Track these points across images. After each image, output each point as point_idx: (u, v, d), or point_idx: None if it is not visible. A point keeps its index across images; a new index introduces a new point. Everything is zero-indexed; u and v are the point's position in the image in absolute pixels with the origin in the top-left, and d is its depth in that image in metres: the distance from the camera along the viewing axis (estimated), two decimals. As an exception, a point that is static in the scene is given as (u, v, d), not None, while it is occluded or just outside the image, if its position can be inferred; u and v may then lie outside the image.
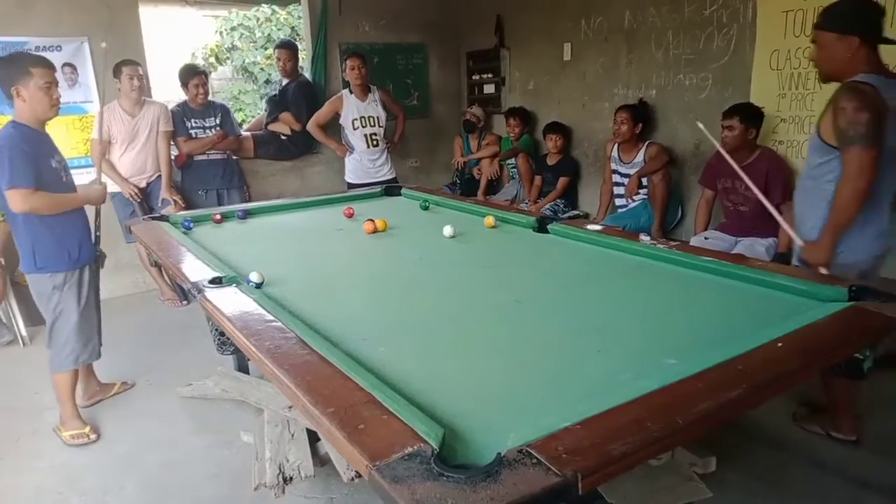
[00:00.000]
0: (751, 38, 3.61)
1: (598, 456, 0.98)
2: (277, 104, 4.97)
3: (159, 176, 4.22)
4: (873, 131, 2.01)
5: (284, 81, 4.98)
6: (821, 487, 2.24)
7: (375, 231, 2.66)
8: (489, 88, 5.70)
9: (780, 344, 1.37)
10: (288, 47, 4.96)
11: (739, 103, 3.43)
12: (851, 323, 1.51)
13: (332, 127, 4.69)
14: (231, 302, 1.74)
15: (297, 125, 4.83)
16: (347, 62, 4.46)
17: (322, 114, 4.60)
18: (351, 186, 4.50)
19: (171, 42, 8.30)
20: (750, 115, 3.34)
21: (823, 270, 2.12)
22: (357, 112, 4.49)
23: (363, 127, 4.52)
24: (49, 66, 2.51)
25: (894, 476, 2.25)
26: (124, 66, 3.94)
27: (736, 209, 3.50)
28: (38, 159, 2.47)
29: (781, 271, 1.89)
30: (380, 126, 4.56)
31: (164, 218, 2.93)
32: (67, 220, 2.61)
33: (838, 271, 2.11)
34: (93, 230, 2.82)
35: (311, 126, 4.64)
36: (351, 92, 4.53)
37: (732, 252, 3.22)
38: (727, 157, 2.74)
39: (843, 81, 2.11)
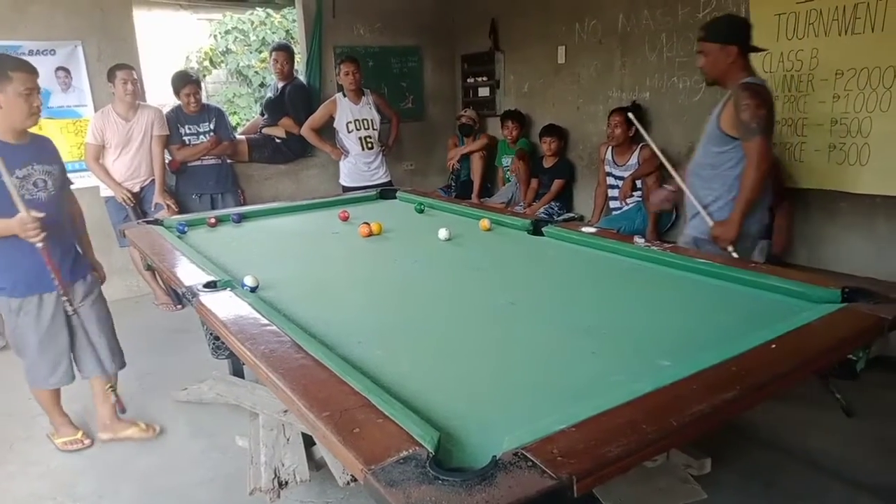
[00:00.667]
0: (744, 41, 3.63)
1: (593, 458, 0.98)
2: (276, 108, 4.96)
3: (153, 180, 4.21)
4: (769, 124, 2.44)
5: (280, 84, 4.97)
6: (815, 488, 2.25)
7: (370, 234, 2.65)
8: (484, 91, 5.71)
9: (773, 346, 1.37)
10: (285, 50, 4.96)
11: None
12: (845, 324, 1.51)
13: (327, 131, 4.69)
14: (226, 306, 1.74)
15: (297, 129, 4.83)
16: (342, 67, 4.46)
17: (316, 118, 4.60)
18: (346, 190, 4.50)
19: (165, 45, 8.28)
20: None
21: (731, 248, 2.48)
22: (351, 115, 4.50)
23: (357, 130, 4.52)
24: (31, 70, 2.31)
25: (888, 477, 2.26)
26: (118, 71, 3.93)
27: (730, 212, 3.51)
28: None
29: (775, 273, 1.90)
30: (374, 129, 4.57)
31: (158, 222, 2.92)
32: (14, 243, 2.31)
33: (741, 240, 2.51)
34: (55, 259, 2.42)
35: (305, 130, 4.64)
36: (344, 95, 4.54)
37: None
38: (650, 142, 3.05)
39: (725, 84, 2.53)
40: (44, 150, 2.47)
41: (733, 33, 2.49)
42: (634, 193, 4.15)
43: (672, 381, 1.22)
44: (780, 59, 3.45)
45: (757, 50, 2.55)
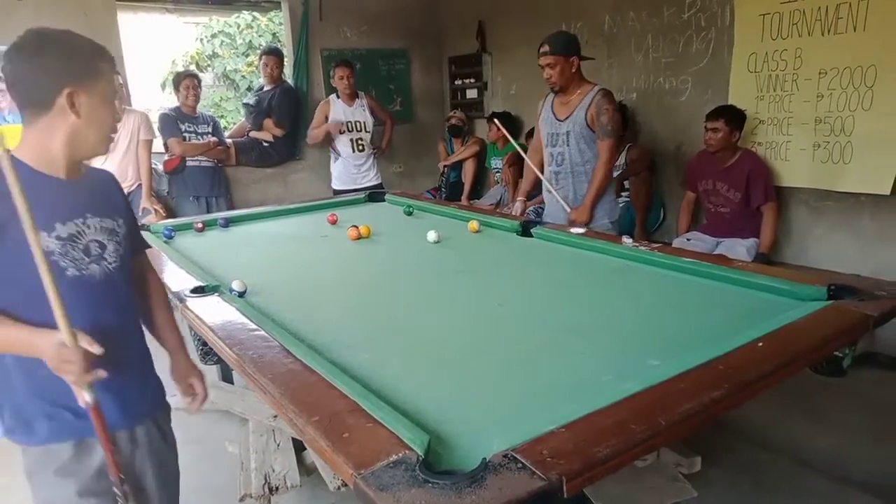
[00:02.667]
0: (729, 42, 3.66)
1: (583, 459, 0.99)
2: (257, 110, 4.94)
3: (140, 185, 4.18)
4: (620, 129, 3.06)
5: (267, 87, 4.95)
6: (805, 485, 2.27)
7: (359, 237, 2.65)
8: (472, 93, 5.73)
9: (760, 344, 1.38)
10: (275, 54, 4.96)
11: (724, 105, 3.46)
12: (831, 321, 1.52)
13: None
14: (213, 311, 1.73)
15: (278, 131, 4.81)
16: (336, 70, 4.45)
17: (315, 123, 4.59)
18: (337, 193, 4.49)
19: (151, 50, 8.23)
20: (734, 118, 3.38)
21: (580, 230, 2.64)
22: (343, 117, 4.50)
23: (349, 132, 4.52)
24: (113, 62, 1.44)
25: (876, 473, 2.27)
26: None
27: (717, 211, 3.54)
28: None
29: (762, 272, 1.91)
30: (366, 131, 4.56)
31: (144, 227, 2.89)
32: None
33: (598, 227, 2.90)
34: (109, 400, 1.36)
35: (309, 138, 4.64)
36: (338, 97, 4.53)
37: (714, 253, 3.26)
38: (521, 152, 3.38)
39: (567, 91, 2.91)
40: (104, 193, 1.47)
41: (574, 46, 2.88)
42: (622, 193, 4.17)
43: (660, 380, 1.22)
44: (766, 59, 3.48)
45: (588, 59, 3.06)
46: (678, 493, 1.84)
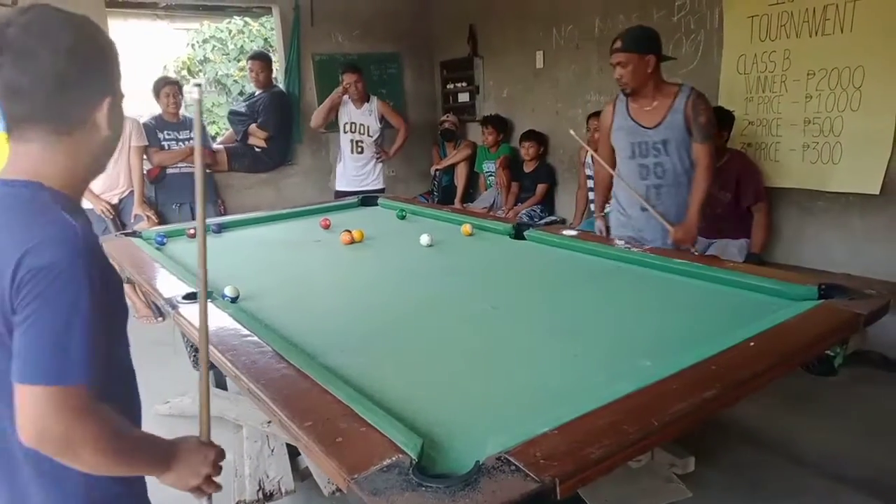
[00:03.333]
0: (718, 44, 3.68)
1: (576, 460, 0.99)
2: (242, 118, 4.93)
3: (132, 192, 4.16)
4: (715, 130, 2.74)
5: (258, 92, 4.94)
6: (799, 483, 2.27)
7: (352, 242, 2.65)
8: (464, 97, 5.74)
9: (752, 343, 1.39)
10: (261, 58, 4.94)
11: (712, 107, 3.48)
12: (822, 321, 1.53)
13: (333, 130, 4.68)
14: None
15: (262, 134, 4.80)
16: (343, 77, 4.43)
17: (326, 103, 4.54)
18: (339, 195, 4.51)
19: (142, 56, 8.21)
20: (722, 119, 3.40)
21: (694, 249, 2.59)
22: (349, 117, 4.53)
23: (351, 132, 4.54)
24: None
25: (870, 470, 2.28)
26: None
27: (709, 212, 3.54)
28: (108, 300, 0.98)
29: (753, 272, 1.92)
30: (368, 135, 4.56)
31: (136, 234, 2.88)
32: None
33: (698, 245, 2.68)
34: None
35: (315, 116, 4.62)
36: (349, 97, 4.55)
37: (706, 254, 3.27)
38: (593, 153, 2.98)
39: (642, 93, 2.60)
40: None
41: (651, 43, 2.59)
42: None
43: (653, 381, 1.23)
44: (755, 61, 3.50)
45: (669, 59, 2.74)
46: (673, 494, 1.84)
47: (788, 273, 1.99)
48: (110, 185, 4.10)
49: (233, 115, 5.06)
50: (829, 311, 1.58)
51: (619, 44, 2.57)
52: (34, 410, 0.85)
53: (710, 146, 2.58)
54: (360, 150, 4.57)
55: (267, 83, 4.89)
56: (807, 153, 3.36)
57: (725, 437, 2.51)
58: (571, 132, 2.98)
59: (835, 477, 2.29)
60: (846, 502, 2.15)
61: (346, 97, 4.52)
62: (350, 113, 4.52)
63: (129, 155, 4.09)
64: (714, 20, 3.68)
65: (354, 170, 4.59)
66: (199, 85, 1.01)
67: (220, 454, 1.14)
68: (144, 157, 4.24)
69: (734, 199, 3.43)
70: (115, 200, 4.13)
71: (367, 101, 4.54)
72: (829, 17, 3.13)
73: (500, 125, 5.17)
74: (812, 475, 2.31)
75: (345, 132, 4.55)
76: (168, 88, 4.27)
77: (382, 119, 4.57)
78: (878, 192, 3.10)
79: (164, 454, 1.05)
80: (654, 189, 2.69)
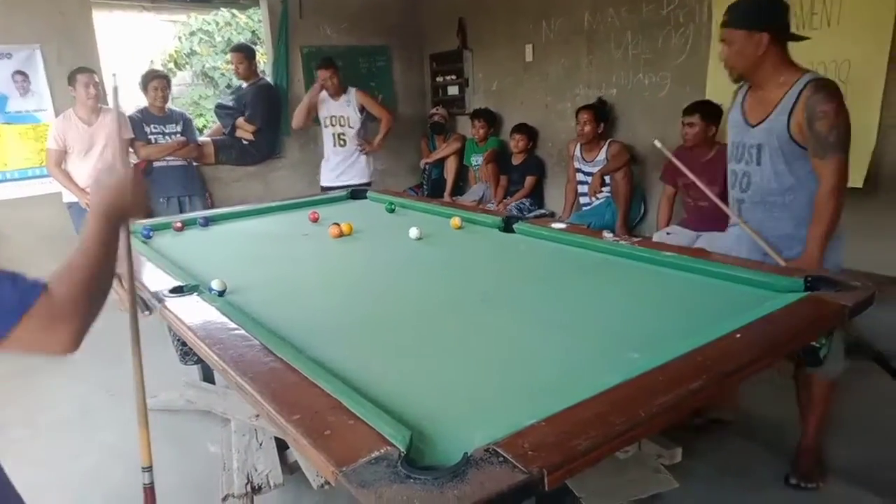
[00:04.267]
0: (707, 37, 3.70)
1: (564, 451, 0.99)
2: (230, 111, 4.89)
3: None
4: (849, 137, 1.97)
5: (244, 85, 4.91)
6: (783, 476, 2.30)
7: (341, 235, 2.63)
8: (453, 90, 5.73)
9: (738, 335, 1.39)
10: (240, 50, 4.89)
11: (699, 101, 3.50)
12: (808, 312, 1.54)
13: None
14: (193, 311, 1.71)
15: (250, 128, 4.76)
16: (318, 73, 4.43)
17: (305, 100, 4.55)
18: (325, 190, 4.48)
19: (128, 48, 8.12)
20: (710, 113, 3.42)
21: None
22: (328, 111, 4.52)
23: (332, 126, 4.54)
24: None
25: (856, 461, 2.31)
26: (79, 74, 3.85)
27: (696, 205, 3.57)
28: None
29: (740, 264, 1.93)
30: (349, 127, 4.54)
31: (123, 226, 2.85)
32: None
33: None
34: None
35: (296, 114, 4.60)
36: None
37: (694, 246, 3.28)
38: (683, 167, 2.66)
39: (758, 81, 2.09)
40: None
41: (764, 17, 2.02)
42: (603, 189, 4.20)
43: (640, 372, 1.23)
44: (742, 55, 3.51)
45: (797, 38, 2.09)
46: (660, 485, 1.85)
47: (774, 265, 2.01)
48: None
49: (220, 108, 5.02)
50: (815, 303, 1.58)
51: (724, 17, 2.09)
52: None
53: (836, 160, 1.94)
54: (342, 142, 4.56)
55: (249, 75, 4.84)
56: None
57: (713, 428, 2.53)
58: (657, 144, 2.62)
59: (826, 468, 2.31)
60: (832, 492, 2.17)
61: (323, 93, 4.51)
62: (328, 107, 4.51)
63: (115, 148, 4.06)
64: (703, 14, 3.70)
65: (338, 164, 4.58)
66: (114, 74, 1.06)
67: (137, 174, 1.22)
68: (130, 150, 4.20)
69: (722, 192, 3.44)
70: None
71: (345, 92, 4.52)
72: (816, 11, 3.15)
73: (490, 119, 5.17)
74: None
75: (326, 126, 4.55)
76: (156, 82, 4.25)
77: (363, 110, 4.55)
78: (861, 186, 3.13)
79: (99, 229, 1.11)
80: (736, 204, 2.27)
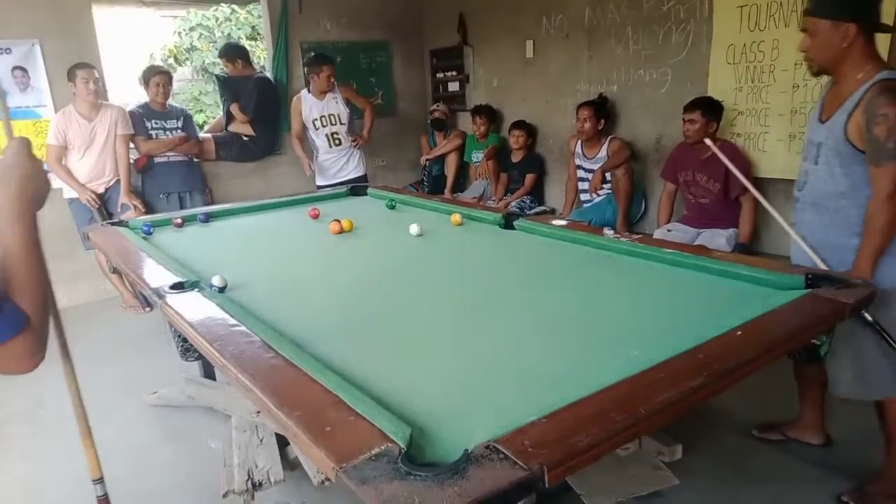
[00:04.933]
0: (708, 34, 3.68)
1: (564, 448, 0.99)
2: (228, 86, 4.86)
3: (118, 181, 4.12)
4: None
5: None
6: (785, 471, 2.30)
7: (341, 231, 2.63)
8: (454, 86, 5.71)
9: (739, 332, 1.40)
10: (227, 54, 4.87)
11: (700, 97, 3.49)
12: (809, 310, 1.54)
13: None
14: (193, 307, 1.71)
15: (243, 117, 4.75)
16: (323, 69, 4.34)
17: (295, 123, 4.54)
18: (321, 189, 4.45)
19: (128, 44, 8.11)
20: (710, 109, 3.41)
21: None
22: (316, 112, 4.44)
23: (324, 126, 4.47)
24: None
25: (857, 458, 2.31)
26: (79, 70, 3.84)
27: (697, 201, 3.57)
28: None
29: (741, 261, 1.93)
30: (341, 124, 4.50)
31: (123, 223, 2.86)
32: None
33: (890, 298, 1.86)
34: None
35: (292, 140, 4.60)
36: (308, 91, 4.48)
37: (694, 243, 3.28)
38: (739, 175, 2.51)
39: (837, 74, 1.93)
40: None
41: (852, 6, 1.85)
42: (604, 185, 4.19)
43: (640, 369, 1.23)
44: (744, 51, 3.51)
45: (887, 29, 1.94)
46: (660, 482, 1.85)
47: (776, 262, 2.00)
48: (96, 174, 4.06)
49: (219, 79, 4.99)
50: (816, 301, 1.58)
51: (808, 4, 1.93)
52: None
53: (893, 168, 1.77)
54: (337, 142, 4.51)
55: (245, 72, 4.81)
56: (793, 143, 3.37)
57: (713, 424, 2.53)
58: (707, 141, 2.58)
59: (821, 464, 2.32)
60: (833, 489, 2.18)
61: (304, 94, 4.45)
62: (316, 107, 4.43)
63: (115, 144, 4.05)
64: (704, 9, 3.68)
65: (333, 163, 4.55)
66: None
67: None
68: (131, 145, 4.20)
69: (723, 189, 3.44)
70: (101, 189, 4.09)
71: (331, 90, 4.45)
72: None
73: (491, 115, 5.15)
74: (799, 463, 2.33)
75: (315, 129, 4.46)
76: (158, 78, 4.23)
77: (348, 103, 4.52)
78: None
79: (25, 234, 1.04)
80: (796, 204, 2.12)
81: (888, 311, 1.82)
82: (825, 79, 2.04)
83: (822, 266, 1.93)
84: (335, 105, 4.47)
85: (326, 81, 4.37)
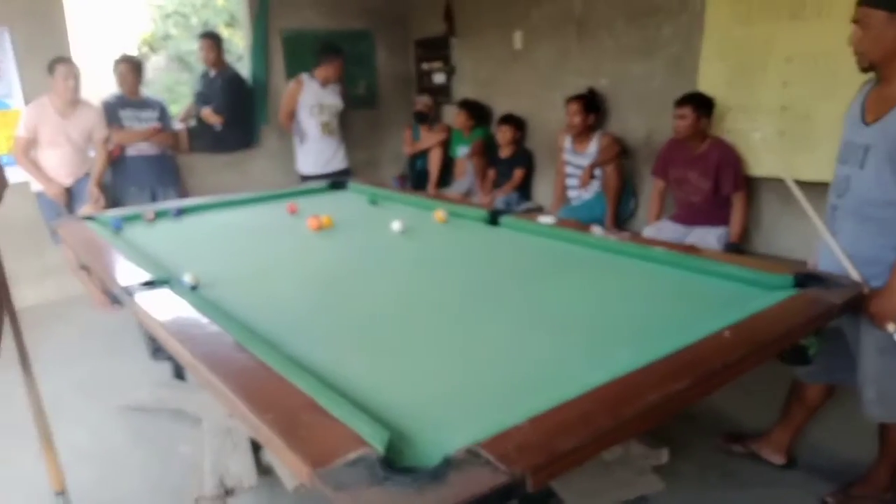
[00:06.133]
0: (699, 27, 3.64)
1: (547, 452, 0.98)
2: (201, 97, 4.78)
3: (87, 175, 3.99)
4: None
5: (211, 73, 4.74)
6: (772, 475, 2.29)
7: (320, 227, 2.57)
8: (439, 78, 5.64)
9: (727, 333, 1.38)
10: (211, 37, 4.76)
11: (692, 92, 3.47)
12: (797, 310, 1.53)
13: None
14: (164, 306, 1.65)
15: (217, 119, 4.66)
16: (336, 62, 4.39)
17: (287, 104, 4.50)
18: (305, 178, 4.44)
19: (101, 30, 7.94)
20: (702, 104, 3.39)
21: (892, 328, 1.78)
22: (315, 99, 4.44)
23: (320, 114, 4.47)
24: None
25: (844, 463, 2.30)
26: (59, 65, 3.73)
27: (687, 199, 3.55)
28: None
29: (731, 261, 1.91)
30: (335, 116, 4.55)
31: (92, 218, 2.76)
32: None
33: None
34: None
35: (282, 120, 4.58)
36: (312, 77, 4.46)
37: (684, 242, 3.27)
38: (798, 194, 2.15)
39: (886, 73, 1.80)
40: None
41: None
42: (594, 180, 4.15)
43: (627, 371, 1.21)
44: (735, 46, 3.48)
45: None
46: (646, 486, 1.83)
47: (764, 262, 1.98)
48: (65, 170, 3.92)
49: (197, 96, 4.90)
50: (805, 301, 1.57)
51: None
52: None
53: None
54: (329, 131, 4.52)
55: (217, 63, 4.70)
56: (783, 140, 3.36)
57: (699, 427, 2.51)
58: (789, 182, 2.20)
59: (808, 468, 2.31)
60: (819, 490, 2.17)
61: (305, 78, 4.44)
62: (317, 94, 4.44)
63: (88, 146, 3.95)
64: (696, 3, 3.64)
65: (322, 152, 4.53)
66: None
67: None
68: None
69: (713, 186, 3.42)
70: (68, 182, 3.95)
71: (336, 81, 4.50)
72: (807, 2, 3.12)
73: (474, 110, 5.09)
74: (785, 467, 2.32)
75: (311, 115, 4.46)
76: (123, 66, 4.13)
77: (344, 98, 4.59)
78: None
79: None
80: (830, 211, 1.99)
81: None
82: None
83: (859, 280, 1.81)
84: (334, 97, 4.51)
85: (335, 73, 4.39)
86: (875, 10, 1.73)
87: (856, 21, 1.79)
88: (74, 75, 3.77)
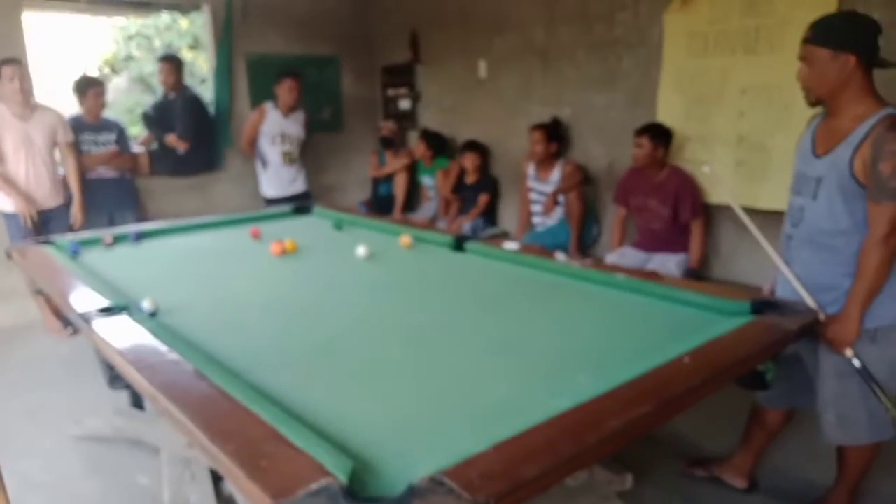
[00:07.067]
0: (657, 60, 3.76)
1: (511, 480, 0.98)
2: (156, 121, 4.71)
3: (62, 205, 3.88)
4: None
5: (170, 95, 4.67)
6: (733, 499, 2.30)
7: (284, 252, 2.54)
8: (405, 104, 5.68)
9: (686, 359, 1.40)
10: (173, 60, 4.71)
11: (650, 123, 3.56)
12: (754, 336, 1.56)
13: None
14: (122, 333, 1.62)
15: (183, 145, 4.60)
16: (285, 81, 4.39)
17: (249, 132, 4.53)
18: (269, 202, 4.45)
19: (62, 51, 7.79)
20: (659, 134, 3.48)
21: (850, 354, 1.85)
22: (278, 128, 4.47)
23: (282, 143, 4.49)
24: None
25: (805, 486, 2.32)
26: (3, 66, 3.62)
27: (648, 226, 3.62)
28: None
29: (690, 287, 1.96)
30: (297, 145, 4.57)
31: (49, 242, 2.69)
32: None
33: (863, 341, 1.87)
34: None
35: (244, 147, 4.61)
36: (275, 106, 4.47)
37: (646, 268, 3.33)
38: (747, 220, 2.20)
39: (833, 107, 1.88)
40: None
41: (852, 38, 1.81)
42: (557, 208, 4.22)
43: (589, 397, 1.22)
44: (692, 78, 3.59)
45: (888, 65, 1.85)
46: (611, 511, 1.84)
47: (723, 288, 2.03)
48: (36, 181, 3.77)
49: (146, 118, 4.82)
50: (761, 327, 1.61)
51: (807, 32, 1.87)
52: None
53: (893, 209, 1.73)
54: (290, 160, 4.56)
55: (177, 85, 4.65)
56: (740, 170, 3.46)
57: (665, 453, 2.53)
58: (737, 209, 2.24)
59: (769, 491, 2.33)
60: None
61: (268, 107, 4.45)
62: (279, 123, 4.47)
63: (54, 152, 3.83)
64: (654, 35, 3.77)
65: (283, 178, 4.57)
66: None
67: None
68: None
69: (672, 214, 3.51)
70: (46, 204, 3.83)
71: (296, 110, 4.52)
72: (761, 37, 3.25)
73: (433, 141, 5.12)
74: (749, 491, 2.33)
75: (272, 144, 4.48)
76: (96, 89, 4.06)
77: (306, 128, 4.64)
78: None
79: None
80: (785, 240, 2.06)
81: (881, 351, 1.85)
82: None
83: (814, 307, 1.88)
84: (296, 127, 4.54)
85: (289, 95, 4.38)
86: (819, 48, 1.82)
87: (802, 58, 1.88)
88: (20, 76, 3.64)
